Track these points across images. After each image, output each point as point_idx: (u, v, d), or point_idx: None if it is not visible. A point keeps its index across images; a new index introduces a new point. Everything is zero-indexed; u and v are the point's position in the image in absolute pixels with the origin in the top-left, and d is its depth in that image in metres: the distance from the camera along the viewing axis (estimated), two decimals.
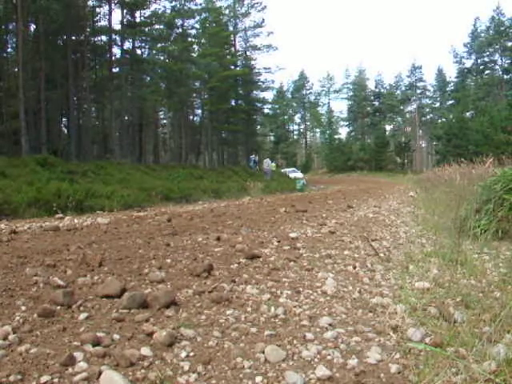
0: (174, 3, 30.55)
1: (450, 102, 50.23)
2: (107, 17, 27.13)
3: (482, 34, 47.20)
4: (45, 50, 22.19)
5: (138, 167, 20.30)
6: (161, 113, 39.17)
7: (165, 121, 41.39)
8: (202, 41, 34.10)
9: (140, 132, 31.03)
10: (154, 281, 1.99)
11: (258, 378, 1.30)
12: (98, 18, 28.47)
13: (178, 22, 31.56)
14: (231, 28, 38.41)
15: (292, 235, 3.33)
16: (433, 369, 1.31)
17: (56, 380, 1.22)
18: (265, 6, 38.02)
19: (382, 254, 2.83)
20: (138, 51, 31.00)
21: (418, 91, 56.27)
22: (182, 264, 2.25)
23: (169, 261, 2.27)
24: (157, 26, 30.75)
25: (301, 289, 1.99)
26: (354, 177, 37.92)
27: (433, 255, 2.81)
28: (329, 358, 1.43)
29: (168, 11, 30.81)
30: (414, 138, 55.02)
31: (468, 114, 39.06)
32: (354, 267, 2.44)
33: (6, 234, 3.22)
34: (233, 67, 37.24)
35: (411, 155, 50.09)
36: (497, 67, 46.36)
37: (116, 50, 29.17)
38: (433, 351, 1.41)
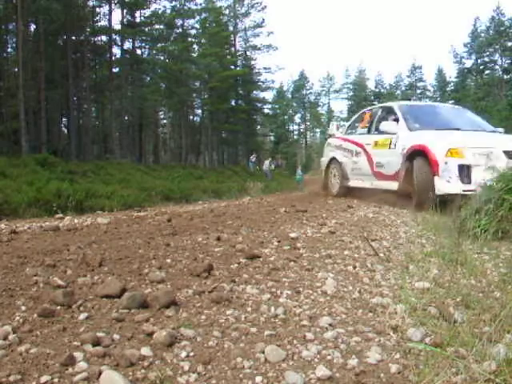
0: (173, 3, 30.56)
1: (450, 102, 50.23)
2: (107, 17, 27.19)
3: (482, 34, 47.15)
4: (45, 50, 22.22)
5: (138, 167, 20.31)
6: (161, 113, 39.17)
7: (165, 121, 41.38)
8: (202, 41, 34.10)
9: (140, 132, 31.05)
10: (154, 281, 1.99)
11: (258, 378, 1.30)
12: (98, 18, 28.49)
13: (178, 22, 31.59)
14: (231, 28, 38.39)
15: (292, 235, 3.33)
16: (433, 369, 1.31)
17: (56, 380, 1.22)
18: (265, 6, 38.07)
19: (381, 254, 2.83)
20: (138, 51, 31.05)
21: (418, 91, 56.30)
22: (182, 264, 2.25)
23: (169, 261, 2.27)
24: (157, 26, 30.77)
25: (301, 289, 1.99)
26: None
27: (433, 255, 2.81)
28: (329, 357, 1.43)
29: (168, 11, 30.82)
30: None
31: None
32: (354, 267, 2.44)
33: (6, 233, 3.22)
34: (233, 67, 37.22)
35: None
36: (497, 67, 46.33)
37: (116, 50, 29.24)
38: (433, 351, 1.41)
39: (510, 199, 3.51)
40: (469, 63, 48.63)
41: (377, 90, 58.24)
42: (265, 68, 40.34)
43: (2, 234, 3.25)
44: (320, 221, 4.35)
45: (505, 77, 44.57)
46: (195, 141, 35.94)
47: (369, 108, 9.14)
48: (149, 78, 30.80)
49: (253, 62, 40.04)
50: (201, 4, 33.36)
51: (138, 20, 29.78)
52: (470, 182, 4.95)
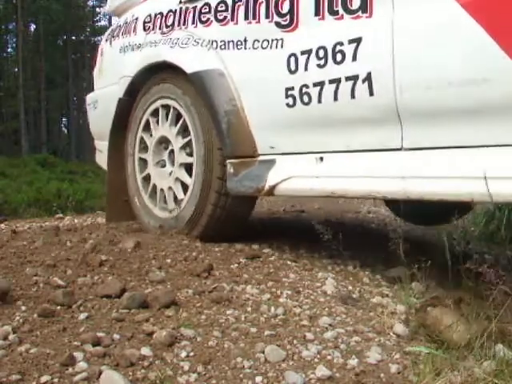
0: None
1: None
2: (107, 17, 27.19)
3: None
4: (45, 50, 22.25)
5: None
6: None
7: None
8: None
9: None
10: (153, 281, 1.99)
11: (258, 378, 1.30)
12: (97, 18, 28.52)
13: None
14: None
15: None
16: (433, 369, 1.31)
17: (56, 380, 1.22)
18: None
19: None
20: None
21: None
22: (182, 264, 2.25)
23: (169, 261, 2.27)
24: None
25: (301, 289, 1.99)
26: None
27: None
28: (329, 357, 1.43)
29: None
30: None
31: None
32: (354, 267, 2.44)
33: (6, 234, 3.22)
34: None
35: None
36: None
37: None
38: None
39: None
40: None
41: None
42: None
43: (2, 233, 3.26)
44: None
45: None
46: None
47: None
48: None
49: None
50: None
51: None
52: None
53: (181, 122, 2.37)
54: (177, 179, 2.39)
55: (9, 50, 24.46)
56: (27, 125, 18.90)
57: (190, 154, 2.35)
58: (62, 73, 23.94)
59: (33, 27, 24.31)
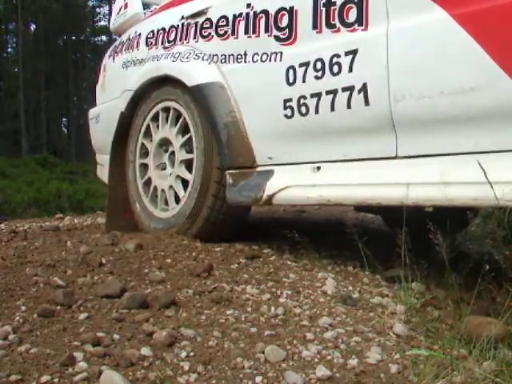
0: None
1: None
2: (107, 17, 27.23)
3: None
4: (45, 50, 22.27)
5: None
6: None
7: None
8: None
9: None
10: (153, 281, 1.99)
11: (258, 378, 1.30)
12: (97, 18, 28.56)
13: None
14: None
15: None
16: (433, 369, 1.31)
17: (56, 380, 1.22)
18: None
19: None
20: None
21: None
22: (182, 264, 2.25)
23: (169, 261, 2.27)
24: None
25: (301, 289, 1.99)
26: None
27: None
28: (329, 357, 1.43)
29: None
30: None
31: None
32: (354, 267, 2.44)
33: (6, 234, 3.22)
34: None
35: None
36: None
37: None
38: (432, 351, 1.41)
39: None
40: None
41: None
42: None
43: (2, 233, 3.26)
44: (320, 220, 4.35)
45: None
46: None
47: None
48: None
49: None
50: None
51: None
52: None
53: (181, 120, 2.42)
54: (177, 177, 2.41)
55: (9, 49, 24.57)
56: (27, 125, 18.93)
57: (190, 152, 2.38)
58: (62, 73, 23.99)
59: (33, 27, 24.38)
